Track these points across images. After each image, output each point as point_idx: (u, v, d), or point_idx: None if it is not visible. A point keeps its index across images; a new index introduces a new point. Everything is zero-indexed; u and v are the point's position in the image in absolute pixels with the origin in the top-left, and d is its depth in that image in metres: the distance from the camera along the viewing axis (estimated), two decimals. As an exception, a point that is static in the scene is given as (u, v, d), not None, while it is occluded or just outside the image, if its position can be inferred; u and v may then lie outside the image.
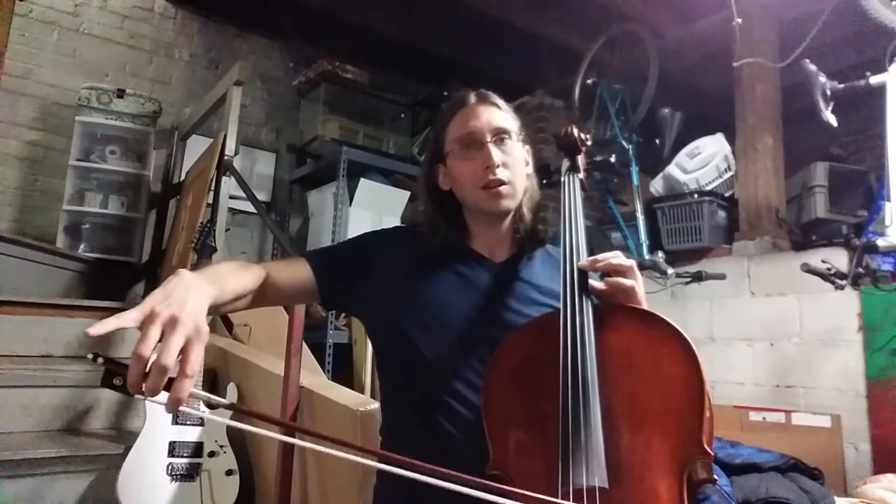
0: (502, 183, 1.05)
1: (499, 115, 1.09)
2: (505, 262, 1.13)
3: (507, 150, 1.07)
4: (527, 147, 1.13)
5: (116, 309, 2.43)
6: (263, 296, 1.05)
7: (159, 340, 0.70)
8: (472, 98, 1.11)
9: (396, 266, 1.10)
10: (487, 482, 0.72)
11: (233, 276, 0.96)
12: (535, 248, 1.16)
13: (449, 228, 1.12)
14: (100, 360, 0.68)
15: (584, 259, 0.99)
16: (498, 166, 1.05)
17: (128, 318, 0.70)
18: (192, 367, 0.70)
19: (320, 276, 1.09)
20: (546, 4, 3.67)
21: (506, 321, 1.03)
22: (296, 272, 1.09)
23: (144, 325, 0.70)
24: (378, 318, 1.11)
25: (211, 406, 0.76)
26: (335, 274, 1.11)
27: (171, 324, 0.70)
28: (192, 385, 0.69)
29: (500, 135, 1.07)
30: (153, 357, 0.68)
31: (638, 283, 0.97)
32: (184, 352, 0.70)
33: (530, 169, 1.14)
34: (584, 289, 0.96)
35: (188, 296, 0.75)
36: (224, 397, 2.21)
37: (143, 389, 0.68)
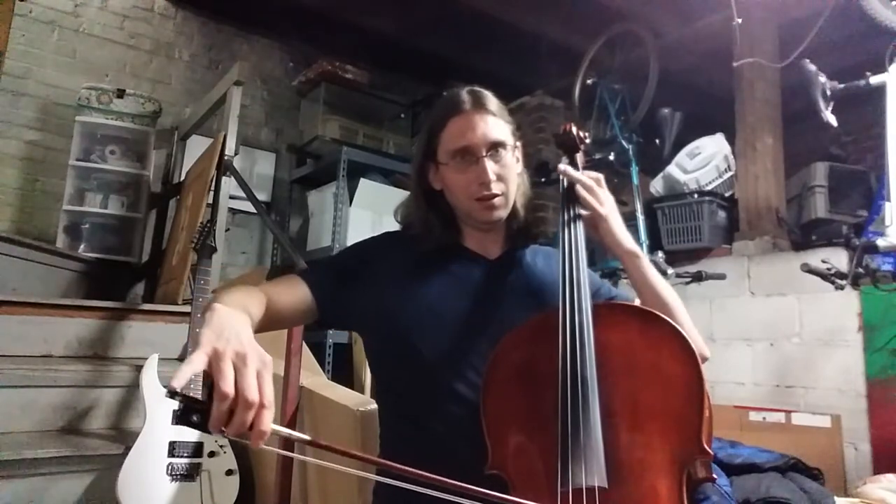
0: (495, 196, 1.06)
1: (494, 124, 1.07)
2: (498, 259, 1.13)
3: (501, 161, 1.06)
4: (518, 144, 1.12)
5: (117, 309, 2.44)
6: (268, 321, 1.01)
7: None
8: (467, 103, 1.07)
9: (391, 271, 1.09)
10: (487, 492, 0.71)
11: (250, 303, 0.94)
12: (528, 243, 1.17)
13: (442, 228, 1.11)
14: (177, 397, 0.65)
15: (581, 250, 1.02)
16: (492, 181, 1.05)
17: (197, 362, 0.69)
18: (270, 397, 0.69)
19: (318, 291, 1.06)
20: (546, 4, 3.66)
21: (503, 318, 1.03)
22: (293, 292, 1.05)
23: (215, 363, 0.69)
24: (376, 324, 1.09)
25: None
26: (333, 287, 1.08)
27: (241, 359, 0.69)
28: (272, 417, 0.68)
29: (495, 148, 1.06)
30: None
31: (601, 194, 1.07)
32: (258, 383, 0.69)
33: (521, 167, 1.14)
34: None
35: (238, 328, 0.75)
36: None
37: (228, 427, 0.67)
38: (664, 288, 1.05)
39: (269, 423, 0.68)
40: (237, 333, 0.73)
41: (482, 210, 1.07)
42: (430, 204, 1.12)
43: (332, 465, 0.72)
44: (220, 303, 0.84)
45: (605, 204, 1.06)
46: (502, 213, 1.09)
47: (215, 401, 0.66)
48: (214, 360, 0.69)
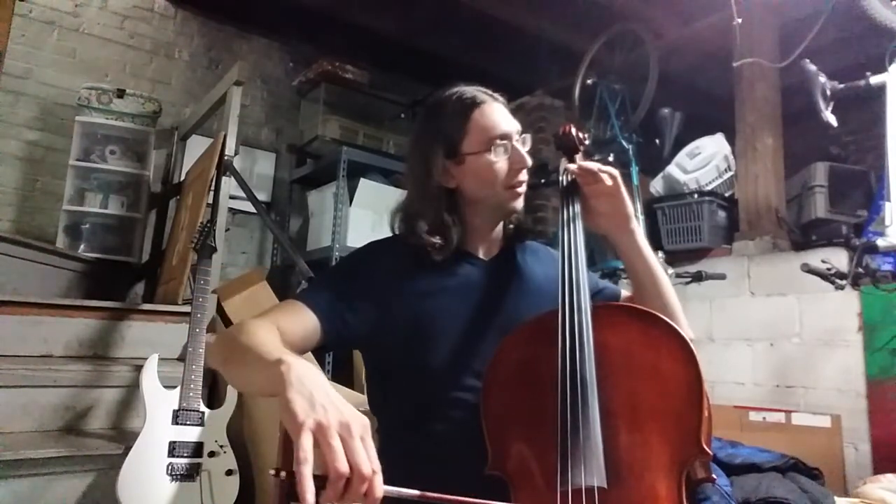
0: (524, 183, 1.09)
1: (512, 116, 1.12)
2: (494, 259, 1.14)
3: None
4: None
5: (117, 309, 2.44)
6: None
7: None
8: (486, 96, 1.10)
9: (386, 278, 1.06)
10: (485, 502, 0.71)
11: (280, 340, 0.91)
12: (521, 243, 1.18)
13: (459, 229, 1.08)
14: (282, 474, 0.64)
15: (581, 251, 1.02)
16: (528, 166, 1.08)
17: (307, 451, 0.64)
18: (377, 462, 0.67)
19: (321, 314, 1.00)
20: (546, 4, 3.66)
21: (502, 320, 1.03)
22: (299, 321, 0.98)
23: (322, 440, 0.65)
24: (377, 335, 1.05)
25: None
26: (336, 308, 1.02)
27: (345, 429, 0.67)
28: (381, 480, 0.67)
29: (522, 136, 1.10)
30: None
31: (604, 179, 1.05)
32: (366, 452, 0.67)
33: None
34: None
35: (325, 388, 0.72)
36: (224, 400, 2.19)
37: (342, 500, 0.65)
38: (657, 264, 1.10)
39: (381, 488, 0.66)
40: (328, 396, 0.70)
41: (512, 198, 1.09)
42: (447, 205, 1.09)
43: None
44: (278, 352, 0.80)
45: (616, 177, 1.06)
46: (522, 204, 1.11)
47: (331, 479, 0.64)
48: (321, 436, 0.66)
